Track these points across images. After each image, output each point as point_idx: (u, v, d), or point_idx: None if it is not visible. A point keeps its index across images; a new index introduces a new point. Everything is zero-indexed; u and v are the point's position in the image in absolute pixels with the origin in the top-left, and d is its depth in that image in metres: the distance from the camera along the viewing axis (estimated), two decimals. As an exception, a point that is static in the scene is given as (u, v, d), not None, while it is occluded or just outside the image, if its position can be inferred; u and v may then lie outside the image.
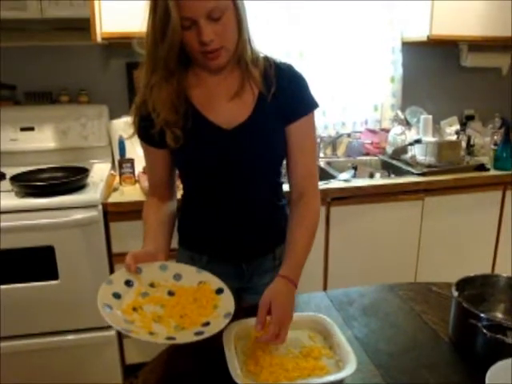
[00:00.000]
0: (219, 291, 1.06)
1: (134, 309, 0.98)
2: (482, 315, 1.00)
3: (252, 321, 1.01)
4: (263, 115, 1.17)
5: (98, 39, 2.01)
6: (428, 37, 2.48)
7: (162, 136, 1.13)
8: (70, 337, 2.04)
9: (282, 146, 1.21)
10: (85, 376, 2.10)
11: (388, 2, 2.66)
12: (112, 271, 2.03)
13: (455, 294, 1.08)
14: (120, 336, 2.14)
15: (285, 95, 1.17)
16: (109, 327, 2.06)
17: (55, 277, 1.94)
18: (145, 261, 1.06)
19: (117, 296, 0.99)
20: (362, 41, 2.72)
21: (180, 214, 1.31)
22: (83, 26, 2.02)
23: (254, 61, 1.15)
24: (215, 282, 1.08)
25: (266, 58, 1.19)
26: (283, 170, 1.29)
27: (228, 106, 1.16)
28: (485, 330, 0.98)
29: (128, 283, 1.03)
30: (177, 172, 1.30)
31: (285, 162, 1.25)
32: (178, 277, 1.08)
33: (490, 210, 2.50)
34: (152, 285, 1.05)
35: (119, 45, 2.34)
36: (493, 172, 2.47)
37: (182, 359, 1.05)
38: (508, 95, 3.07)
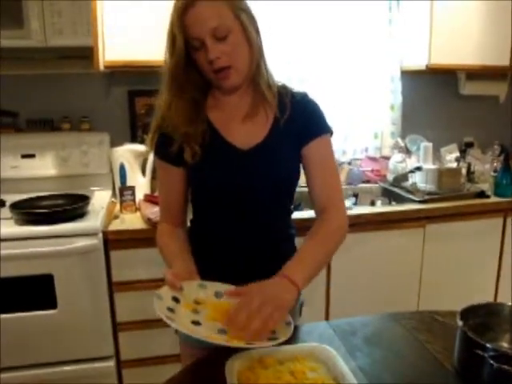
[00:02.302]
0: None
1: (194, 323, 0.98)
2: (488, 345, 0.98)
3: (256, 351, 0.99)
4: (278, 138, 1.20)
5: (101, 67, 2.04)
6: (427, 66, 2.51)
7: (179, 154, 1.17)
8: (68, 368, 1.99)
9: (295, 171, 1.24)
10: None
11: (387, 32, 2.71)
12: (112, 300, 2.01)
13: (460, 323, 1.06)
14: (119, 367, 2.10)
15: (299, 120, 1.20)
16: (107, 357, 2.03)
17: (54, 306, 1.91)
18: (184, 278, 1.07)
19: (171, 311, 0.99)
20: (362, 69, 2.76)
21: (189, 239, 1.31)
22: (86, 54, 2.05)
23: (270, 86, 1.20)
24: None
25: (284, 86, 1.24)
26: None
27: (244, 128, 1.20)
28: (491, 361, 0.96)
29: (175, 299, 1.03)
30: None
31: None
32: (219, 294, 1.09)
33: (491, 236, 2.49)
34: (197, 302, 1.05)
35: (121, 73, 2.38)
36: (493, 199, 2.47)
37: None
38: (506, 122, 3.10)
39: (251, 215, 1.23)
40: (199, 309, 1.05)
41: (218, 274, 1.21)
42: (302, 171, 1.28)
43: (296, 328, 1.31)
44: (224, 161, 1.19)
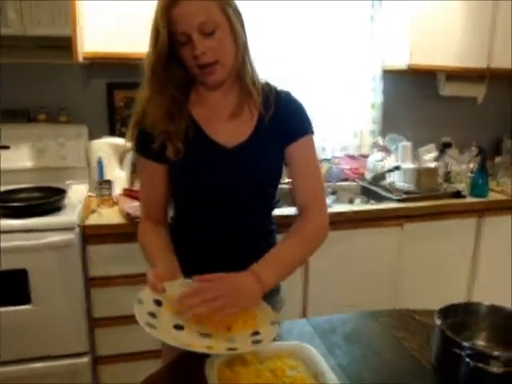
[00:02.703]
0: None
1: (176, 327, 0.96)
2: (465, 344, 1.00)
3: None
4: (262, 136, 1.19)
5: (80, 59, 1.99)
6: (408, 66, 2.54)
7: (161, 150, 1.15)
8: (41, 364, 1.95)
9: (278, 170, 1.24)
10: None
11: (369, 31, 2.72)
12: (88, 296, 1.98)
13: (438, 322, 1.08)
14: (94, 363, 2.07)
15: (282, 119, 1.20)
16: (82, 354, 2.00)
17: (27, 301, 1.87)
18: (166, 279, 1.05)
19: (153, 315, 0.97)
20: (344, 68, 2.77)
21: (171, 236, 1.29)
22: (65, 44, 2.01)
23: (254, 83, 1.18)
24: None
25: (267, 84, 1.23)
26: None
27: (228, 125, 1.19)
28: (468, 359, 0.98)
29: (157, 302, 1.01)
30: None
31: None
32: None
33: (466, 236, 2.53)
34: None
35: (101, 65, 2.33)
36: (469, 199, 2.51)
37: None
38: (483, 124, 3.16)
39: (233, 213, 1.22)
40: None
41: (198, 272, 1.20)
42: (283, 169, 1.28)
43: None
44: (207, 159, 1.17)
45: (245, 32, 1.15)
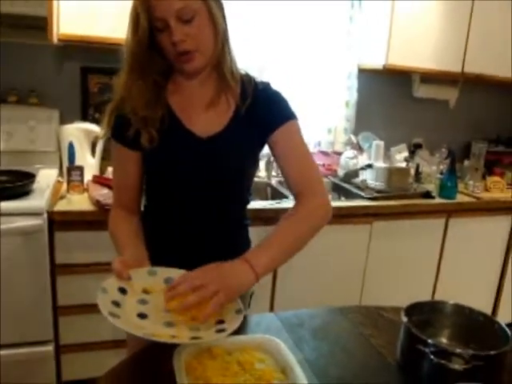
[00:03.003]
0: None
1: (140, 315, 0.95)
2: (430, 341, 1.02)
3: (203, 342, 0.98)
4: (239, 127, 1.18)
5: (55, 40, 1.94)
6: (384, 66, 2.57)
7: (136, 138, 1.13)
8: (4, 352, 1.90)
9: (253, 162, 1.23)
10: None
11: (347, 29, 2.74)
12: (54, 283, 1.94)
13: (405, 319, 1.10)
14: (57, 351, 2.03)
15: (261, 109, 1.18)
16: (46, 342, 1.96)
17: (-9, 287, 1.82)
18: (132, 266, 1.03)
19: (116, 304, 0.95)
20: (320, 65, 2.79)
21: (142, 225, 1.27)
22: (38, 24, 1.95)
23: (233, 72, 1.17)
24: None
25: (247, 74, 1.21)
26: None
27: (204, 115, 1.18)
28: (432, 356, 1.00)
29: (121, 290, 0.99)
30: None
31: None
32: (169, 280, 1.05)
33: (433, 236, 2.59)
34: (146, 291, 1.02)
35: (75, 47, 2.27)
36: (438, 200, 2.57)
37: (130, 376, 1.00)
38: (454, 127, 3.23)
39: (207, 204, 1.21)
40: (147, 298, 1.01)
41: (169, 262, 1.19)
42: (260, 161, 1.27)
43: (244, 319, 1.31)
44: (181, 148, 1.16)
45: (225, 20, 1.13)
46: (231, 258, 1.27)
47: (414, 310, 1.15)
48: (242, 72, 1.21)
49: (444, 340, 1.18)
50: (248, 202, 1.32)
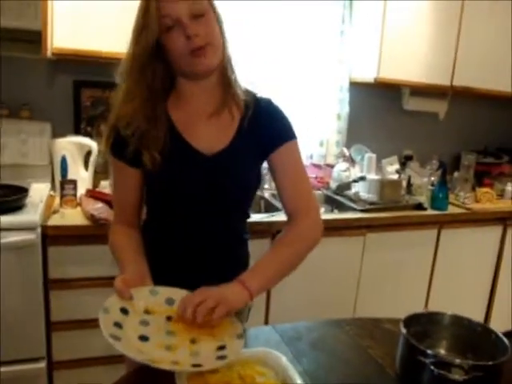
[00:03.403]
0: None
1: (141, 338, 0.94)
2: (429, 352, 1.03)
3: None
4: (243, 142, 1.17)
5: (49, 54, 1.94)
6: (375, 79, 2.60)
7: (137, 154, 1.11)
8: (-5, 369, 1.87)
9: (257, 176, 1.23)
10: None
11: (338, 43, 2.78)
12: (47, 298, 1.91)
13: (403, 330, 1.10)
14: (50, 368, 2.00)
15: (263, 126, 1.18)
16: (38, 359, 1.93)
17: (-18, 303, 1.80)
18: (134, 285, 1.02)
19: (118, 326, 0.94)
20: (312, 78, 2.81)
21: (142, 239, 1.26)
22: (31, 38, 1.95)
23: (237, 82, 1.17)
24: None
25: (247, 90, 1.21)
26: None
27: (208, 129, 1.16)
28: (432, 367, 1.01)
29: (123, 311, 0.98)
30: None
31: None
32: (170, 301, 1.05)
33: (426, 247, 2.61)
34: (147, 311, 1.01)
35: (67, 61, 2.27)
36: (430, 211, 2.59)
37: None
38: (444, 139, 3.27)
39: (209, 219, 1.20)
40: (149, 319, 1.01)
41: (169, 276, 1.18)
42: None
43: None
44: (186, 167, 1.14)
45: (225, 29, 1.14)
46: (232, 272, 1.27)
47: (411, 321, 1.16)
48: (243, 88, 1.20)
49: (442, 351, 1.18)
50: (249, 217, 1.32)
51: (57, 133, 2.34)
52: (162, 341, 0.96)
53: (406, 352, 1.10)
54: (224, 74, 1.15)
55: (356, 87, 2.87)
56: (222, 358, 0.93)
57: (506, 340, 1.09)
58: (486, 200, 2.79)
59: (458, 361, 1.01)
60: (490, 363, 1.01)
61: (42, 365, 1.94)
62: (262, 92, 1.26)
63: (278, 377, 1.01)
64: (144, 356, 0.89)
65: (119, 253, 1.17)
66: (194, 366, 0.90)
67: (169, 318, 1.02)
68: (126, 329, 0.95)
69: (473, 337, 1.16)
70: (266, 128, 1.19)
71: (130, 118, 1.10)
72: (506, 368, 1.03)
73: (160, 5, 1.01)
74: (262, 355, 1.05)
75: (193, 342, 0.96)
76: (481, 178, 3.07)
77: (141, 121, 1.09)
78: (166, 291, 1.08)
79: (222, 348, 0.96)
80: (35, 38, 1.93)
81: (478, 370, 0.99)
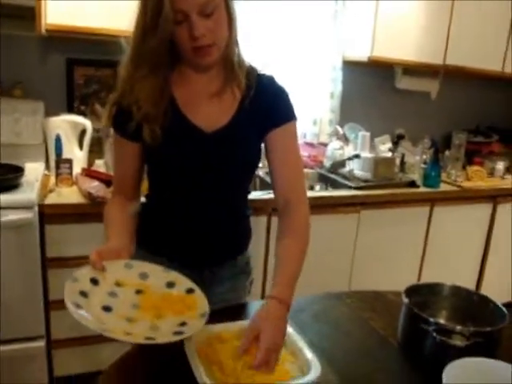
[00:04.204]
0: (190, 291, 1.04)
1: (105, 308, 0.93)
2: (432, 320, 1.06)
3: (212, 327, 1.00)
4: (243, 121, 1.17)
5: (43, 31, 1.90)
6: (369, 58, 2.60)
7: (138, 129, 1.11)
8: (-6, 348, 1.88)
9: (257, 154, 1.22)
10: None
11: (332, 22, 2.77)
12: (45, 277, 1.92)
13: (405, 300, 1.13)
14: (48, 347, 2.01)
15: (264, 103, 1.18)
16: (37, 338, 1.94)
17: (-19, 282, 1.79)
18: (109, 258, 1.01)
19: (84, 295, 0.93)
20: (305, 57, 2.81)
21: (143, 214, 1.27)
22: (23, 14, 1.91)
23: (240, 63, 1.16)
24: (184, 281, 1.06)
25: (251, 66, 1.20)
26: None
27: (209, 108, 1.16)
28: (434, 334, 1.04)
29: (93, 281, 0.97)
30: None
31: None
32: (144, 276, 1.04)
33: (418, 223, 2.66)
34: (118, 284, 1.00)
35: (60, 39, 2.23)
36: (422, 189, 2.63)
37: (139, 366, 1.01)
38: (436, 118, 3.30)
39: (210, 196, 1.21)
40: (117, 291, 1.00)
41: (170, 254, 1.20)
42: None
43: (246, 305, 1.33)
44: (186, 143, 1.14)
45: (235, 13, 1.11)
46: (233, 249, 1.30)
47: (412, 292, 1.18)
48: (247, 64, 1.20)
49: (441, 321, 1.21)
50: (249, 192, 1.33)
51: (50, 112, 2.30)
52: (125, 313, 0.95)
53: (408, 321, 1.13)
54: (227, 57, 1.14)
55: (349, 66, 2.87)
56: (178, 333, 0.91)
57: (503, 308, 1.12)
58: (477, 178, 2.83)
59: (458, 328, 1.04)
60: (490, 329, 1.04)
61: (41, 343, 1.95)
62: (265, 69, 1.24)
63: (285, 346, 1.03)
64: (99, 325, 0.87)
65: (106, 225, 1.16)
66: (147, 338, 0.88)
67: (138, 292, 1.01)
68: (90, 298, 0.94)
69: (471, 306, 1.19)
70: (266, 106, 1.18)
71: (133, 96, 1.09)
72: (504, 334, 1.07)
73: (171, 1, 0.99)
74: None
75: (157, 317, 0.96)
76: (471, 156, 3.11)
77: (145, 100, 1.08)
78: (140, 265, 1.07)
79: (182, 324, 0.95)
80: (26, 14, 1.89)
81: (479, 336, 1.02)
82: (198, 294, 1.04)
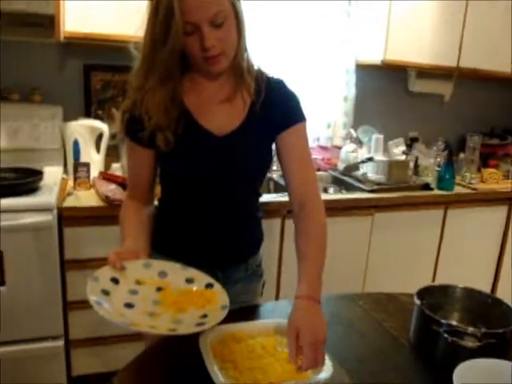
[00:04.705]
0: (209, 286, 1.07)
1: (127, 305, 0.96)
2: (443, 321, 1.07)
3: (227, 327, 1.02)
4: (253, 124, 1.19)
5: (62, 38, 1.95)
6: (382, 61, 2.61)
7: (151, 136, 1.13)
8: (15, 348, 1.92)
9: (268, 156, 1.24)
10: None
11: (345, 25, 2.78)
12: (64, 279, 1.96)
13: (418, 302, 1.14)
14: (67, 346, 2.05)
15: (274, 106, 1.20)
16: (56, 337, 1.98)
17: (2, 283, 1.83)
18: (127, 258, 1.04)
19: (105, 293, 0.96)
20: (319, 60, 2.82)
21: (157, 217, 1.30)
22: (41, 22, 1.96)
23: (249, 69, 1.18)
24: (203, 277, 1.09)
25: (260, 71, 1.22)
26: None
27: (220, 113, 1.18)
28: (446, 335, 1.05)
29: (114, 280, 1.00)
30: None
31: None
32: (163, 274, 1.07)
33: (432, 226, 2.65)
34: (138, 282, 1.03)
35: (77, 45, 2.29)
36: (436, 192, 2.62)
37: (153, 367, 1.04)
38: (449, 120, 3.29)
39: (222, 199, 1.23)
40: (138, 289, 1.02)
41: (183, 253, 1.22)
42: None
43: (258, 307, 1.35)
44: (198, 148, 1.16)
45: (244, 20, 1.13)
46: (245, 252, 1.32)
47: (424, 293, 1.19)
48: (256, 68, 1.22)
49: (453, 322, 1.22)
50: (261, 195, 1.35)
51: (68, 116, 2.36)
52: (147, 309, 0.98)
53: (420, 322, 1.14)
54: (237, 64, 1.16)
55: (362, 69, 2.88)
56: (200, 324, 0.94)
57: (516, 310, 1.13)
58: (492, 180, 2.82)
59: (470, 329, 1.05)
60: (502, 330, 1.05)
61: (60, 343, 1.99)
62: (274, 73, 1.26)
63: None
64: (122, 319, 0.90)
65: (122, 227, 1.19)
66: (171, 330, 0.92)
67: (159, 289, 1.04)
68: (112, 296, 0.97)
69: (483, 308, 1.20)
70: (276, 109, 1.20)
71: (144, 106, 1.11)
72: (516, 336, 1.08)
73: (184, 10, 0.99)
74: (278, 325, 1.09)
75: (179, 311, 0.98)
76: (486, 159, 3.09)
77: (156, 110, 1.10)
78: (159, 264, 1.09)
79: (204, 316, 0.98)
80: (45, 22, 1.94)
81: (491, 338, 1.03)
82: (218, 288, 1.07)
